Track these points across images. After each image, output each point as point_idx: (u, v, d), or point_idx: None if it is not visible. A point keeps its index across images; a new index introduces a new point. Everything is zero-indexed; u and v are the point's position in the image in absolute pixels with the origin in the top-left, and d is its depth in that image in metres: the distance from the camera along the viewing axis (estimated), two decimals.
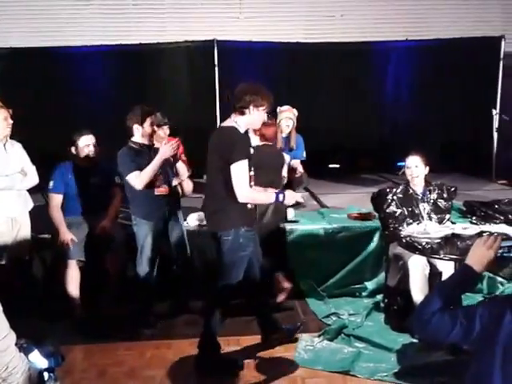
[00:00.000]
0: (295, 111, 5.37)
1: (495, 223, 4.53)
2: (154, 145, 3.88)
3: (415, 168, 3.87)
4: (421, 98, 7.60)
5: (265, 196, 3.24)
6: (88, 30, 7.53)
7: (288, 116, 5.30)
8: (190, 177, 6.20)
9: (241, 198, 3.06)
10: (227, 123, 3.19)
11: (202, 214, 4.53)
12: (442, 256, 3.18)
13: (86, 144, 4.10)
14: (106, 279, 4.05)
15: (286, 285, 4.23)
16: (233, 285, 3.23)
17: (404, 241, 3.48)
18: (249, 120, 3.13)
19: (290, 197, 3.24)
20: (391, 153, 7.55)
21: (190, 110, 7.35)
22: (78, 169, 4.12)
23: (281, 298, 4.16)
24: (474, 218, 4.64)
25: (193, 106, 7.40)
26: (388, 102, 7.75)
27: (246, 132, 3.25)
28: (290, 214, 4.67)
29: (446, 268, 3.50)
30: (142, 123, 3.74)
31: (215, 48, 7.06)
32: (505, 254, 1.84)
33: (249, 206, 3.17)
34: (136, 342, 3.68)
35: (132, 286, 3.85)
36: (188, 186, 4.22)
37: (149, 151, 3.80)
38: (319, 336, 3.72)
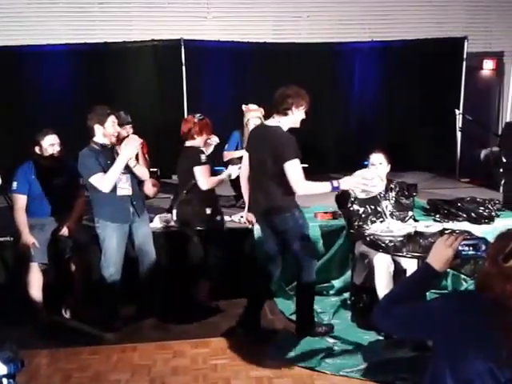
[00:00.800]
0: (262, 110, 5.37)
1: (458, 221, 4.66)
2: (116, 145, 3.82)
3: (379, 165, 3.92)
4: (386, 98, 7.71)
5: (321, 186, 3.37)
6: (53, 29, 7.37)
7: (256, 115, 5.29)
8: (157, 177, 6.20)
9: (300, 191, 3.34)
10: (271, 123, 3.48)
11: (168, 214, 4.51)
12: (404, 254, 3.24)
13: (50, 143, 4.02)
14: (69, 282, 3.98)
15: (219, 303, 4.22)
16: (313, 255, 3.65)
17: (368, 239, 3.52)
18: (291, 119, 3.43)
19: (347, 182, 3.37)
20: (358, 152, 7.64)
21: (157, 110, 7.31)
22: (42, 169, 4.03)
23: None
24: (437, 215, 4.73)
25: (160, 106, 7.35)
26: (354, 102, 7.84)
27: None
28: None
29: (410, 265, 3.56)
30: (103, 123, 3.68)
31: (182, 47, 7.02)
32: (464, 253, 1.85)
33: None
34: (101, 346, 3.63)
35: (97, 289, 3.79)
36: (148, 188, 4.15)
37: (111, 152, 3.74)
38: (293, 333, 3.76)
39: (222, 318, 4.03)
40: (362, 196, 3.71)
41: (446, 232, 3.67)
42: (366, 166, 4.29)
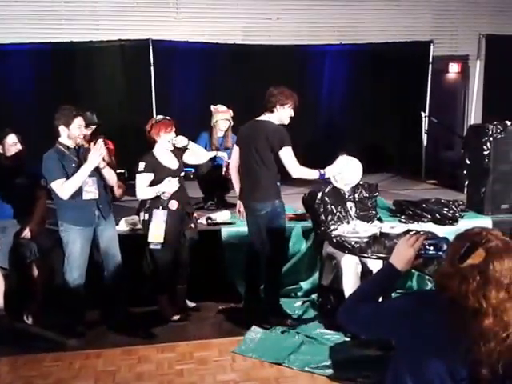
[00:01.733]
0: (231, 112, 5.38)
1: (423, 222, 4.74)
2: (83, 146, 3.74)
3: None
4: (354, 100, 7.79)
5: (312, 172, 3.79)
6: (17, 28, 7.22)
7: (225, 117, 5.32)
8: (123, 179, 6.11)
9: (295, 175, 3.76)
10: (262, 118, 3.80)
11: (135, 217, 4.44)
12: (369, 255, 3.27)
13: (13, 142, 3.93)
14: (32, 287, 3.88)
15: (190, 304, 4.22)
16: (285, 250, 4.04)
17: (335, 241, 3.55)
18: (277, 116, 3.76)
19: (331, 170, 3.85)
20: (325, 153, 7.69)
21: (125, 110, 7.21)
22: (4, 169, 3.93)
23: (176, 317, 4.01)
24: (402, 216, 4.80)
25: (128, 106, 7.25)
26: (323, 104, 7.91)
27: None
28: (226, 215, 4.66)
29: (377, 266, 3.58)
30: (68, 125, 3.59)
31: (151, 48, 6.94)
32: (425, 253, 1.87)
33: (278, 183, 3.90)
34: (64, 353, 3.55)
35: (60, 294, 3.70)
36: (118, 190, 4.07)
37: (77, 153, 3.67)
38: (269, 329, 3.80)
39: (188, 322, 4.00)
40: (342, 186, 4.01)
41: (411, 233, 3.74)
42: None
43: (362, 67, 7.69)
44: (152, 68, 6.99)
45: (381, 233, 3.58)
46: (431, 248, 1.89)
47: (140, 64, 7.08)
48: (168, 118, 4.05)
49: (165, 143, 3.90)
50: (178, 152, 4.03)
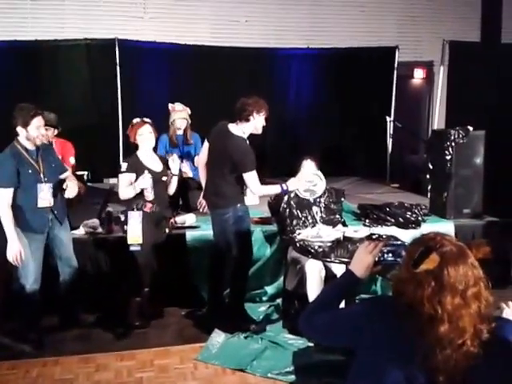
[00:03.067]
0: (188, 110, 5.35)
1: (386, 225, 4.78)
2: (45, 145, 3.62)
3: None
4: (320, 104, 7.85)
5: (274, 188, 3.79)
6: None
7: (182, 116, 5.28)
8: (85, 181, 5.98)
9: (258, 194, 3.95)
10: (235, 131, 3.74)
11: (96, 220, 4.35)
12: (333, 259, 3.27)
13: None
14: None
15: (153, 310, 4.14)
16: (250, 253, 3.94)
17: (298, 245, 3.54)
18: (253, 125, 3.74)
19: (294, 183, 3.77)
20: (293, 156, 7.72)
21: (90, 111, 7.09)
22: None
23: (137, 322, 3.92)
24: (367, 220, 4.82)
25: (93, 107, 7.13)
26: (289, 107, 7.93)
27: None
28: (191, 219, 4.61)
29: (340, 270, 3.59)
30: (26, 125, 3.45)
31: (117, 47, 6.83)
32: (384, 259, 1.87)
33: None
34: (20, 360, 3.43)
35: (15, 300, 3.57)
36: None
37: (36, 154, 3.53)
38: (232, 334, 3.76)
39: (149, 329, 3.92)
40: (307, 196, 4.01)
41: (373, 237, 3.76)
42: None
43: (329, 71, 7.76)
44: (118, 68, 6.89)
45: (344, 237, 3.59)
46: (390, 254, 1.91)
47: (106, 64, 6.98)
48: (146, 119, 4.02)
49: (142, 145, 3.92)
50: (161, 156, 4.12)
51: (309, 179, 3.91)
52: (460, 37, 7.80)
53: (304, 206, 4.02)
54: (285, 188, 3.73)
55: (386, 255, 1.89)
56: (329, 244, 3.48)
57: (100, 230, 4.25)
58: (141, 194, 3.77)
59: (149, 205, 3.80)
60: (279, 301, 4.35)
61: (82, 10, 7.49)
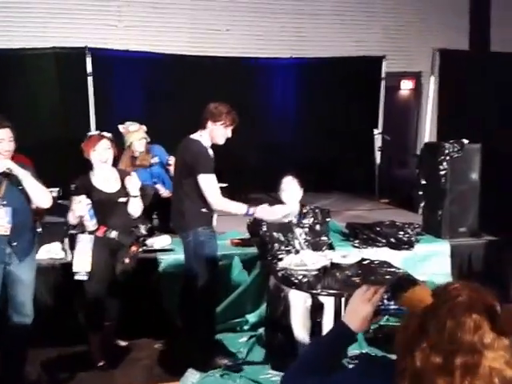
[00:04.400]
0: (144, 128, 4.86)
1: (377, 246, 4.42)
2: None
3: (292, 191, 3.59)
4: (305, 116, 7.54)
5: (237, 206, 3.31)
6: None
7: (140, 137, 4.79)
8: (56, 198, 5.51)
9: (215, 206, 3.29)
10: (194, 136, 3.40)
11: (57, 244, 3.92)
12: (319, 291, 2.86)
13: None
14: None
15: (121, 343, 3.76)
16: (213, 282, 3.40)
17: (280, 274, 3.12)
18: (209, 134, 3.35)
19: (264, 212, 3.27)
20: (277, 170, 7.37)
21: (59, 123, 6.68)
22: None
23: (101, 363, 3.48)
24: (356, 241, 4.45)
25: (63, 119, 6.71)
26: (273, 119, 7.59)
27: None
28: (165, 241, 4.20)
29: (328, 300, 3.20)
30: None
31: (87, 56, 6.42)
32: (382, 307, 1.48)
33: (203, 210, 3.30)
34: None
35: None
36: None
37: None
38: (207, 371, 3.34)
39: (119, 364, 3.50)
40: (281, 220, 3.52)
41: (364, 262, 3.38)
42: None
43: (313, 82, 7.43)
44: (90, 78, 6.48)
45: (331, 263, 3.19)
46: (392, 302, 1.54)
47: (76, 73, 6.55)
48: (105, 133, 3.56)
49: (96, 161, 3.43)
50: (125, 173, 3.58)
51: (285, 213, 3.38)
52: (448, 46, 7.55)
53: (286, 228, 3.62)
54: (250, 212, 3.27)
55: (387, 302, 1.49)
56: (314, 273, 3.07)
57: (62, 255, 3.82)
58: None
59: (102, 228, 3.34)
60: (262, 330, 3.94)
61: (51, 18, 7.14)
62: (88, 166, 3.52)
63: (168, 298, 3.90)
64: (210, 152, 3.36)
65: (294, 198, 3.59)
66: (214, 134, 3.35)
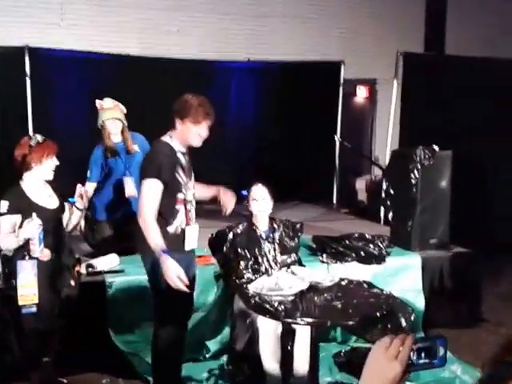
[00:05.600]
0: (122, 108, 4.10)
1: (347, 261, 4.12)
2: None
3: (263, 201, 3.21)
4: (263, 123, 7.24)
5: (154, 238, 2.69)
6: None
7: (113, 116, 3.99)
8: None
9: (139, 220, 2.74)
10: (163, 137, 2.91)
11: None
12: (298, 320, 2.49)
13: None
14: None
15: (62, 381, 3.26)
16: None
17: (252, 301, 2.71)
18: (179, 135, 2.85)
19: (168, 268, 2.62)
20: (234, 180, 7.01)
21: None
22: None
23: None
24: (324, 255, 4.13)
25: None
26: (230, 125, 7.19)
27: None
28: (113, 261, 3.72)
29: (302, 328, 2.85)
30: None
31: (26, 56, 5.85)
32: (413, 364, 1.14)
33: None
34: None
35: None
36: None
37: None
38: None
39: None
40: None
41: (343, 282, 3.05)
42: (245, 196, 3.58)
43: (272, 87, 7.13)
44: (28, 80, 5.90)
45: (310, 286, 2.83)
46: (422, 355, 1.19)
47: (14, 75, 5.96)
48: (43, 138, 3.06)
49: (46, 172, 2.93)
50: (54, 187, 3.08)
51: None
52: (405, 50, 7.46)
53: (253, 243, 3.22)
54: (161, 257, 2.64)
55: (415, 356, 1.15)
56: (291, 298, 2.69)
57: None
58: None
59: (46, 251, 2.84)
60: (224, 359, 3.54)
61: None
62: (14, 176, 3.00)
63: (116, 327, 3.43)
64: (180, 156, 2.87)
65: (265, 208, 3.21)
66: (184, 134, 2.83)
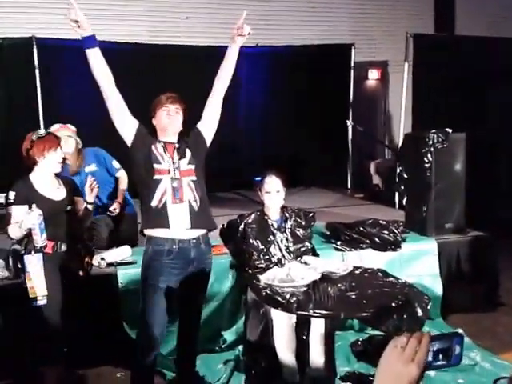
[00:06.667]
0: (70, 127, 4.01)
1: (361, 248, 4.07)
2: None
3: (276, 194, 3.15)
4: (273, 108, 7.13)
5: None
6: None
7: (65, 134, 3.81)
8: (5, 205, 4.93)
9: None
10: None
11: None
12: (311, 312, 2.44)
13: None
14: None
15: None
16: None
17: (264, 293, 2.67)
18: (157, 129, 2.89)
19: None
20: (245, 166, 6.96)
21: (4, 121, 6.04)
22: None
23: None
24: (338, 242, 4.09)
25: (9, 116, 6.09)
26: (240, 111, 7.14)
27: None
28: (125, 253, 3.71)
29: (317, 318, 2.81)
30: None
31: (34, 46, 5.82)
32: (430, 364, 1.09)
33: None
34: None
35: None
36: None
37: None
38: None
39: None
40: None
41: (357, 271, 3.00)
42: (257, 182, 3.53)
43: (281, 71, 7.03)
44: (37, 71, 5.88)
45: (322, 276, 2.78)
46: (440, 356, 1.14)
47: (22, 66, 5.95)
48: (46, 132, 3.14)
49: (51, 165, 2.99)
50: (64, 179, 3.14)
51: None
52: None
53: (265, 232, 3.17)
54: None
55: (431, 356, 1.10)
56: (303, 289, 2.65)
57: (5, 274, 3.29)
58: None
59: (50, 243, 2.89)
60: (240, 349, 3.53)
61: None
62: (26, 169, 3.04)
63: (129, 320, 3.42)
64: (158, 145, 2.82)
65: (278, 200, 3.16)
66: (158, 123, 2.85)
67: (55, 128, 3.83)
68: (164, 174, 2.74)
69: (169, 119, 2.82)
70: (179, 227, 2.70)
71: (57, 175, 3.08)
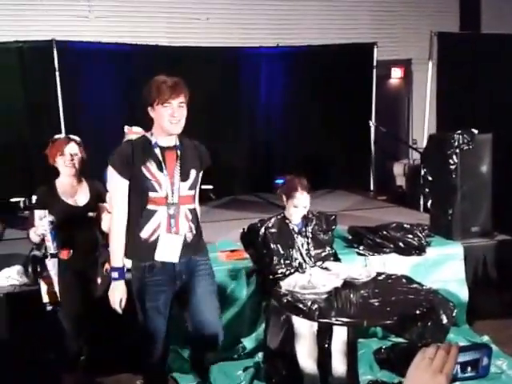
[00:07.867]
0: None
1: (385, 253, 3.96)
2: None
3: (303, 209, 3.09)
4: (294, 109, 7.04)
5: (114, 244, 2.50)
6: None
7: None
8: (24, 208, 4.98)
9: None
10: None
11: (18, 268, 3.39)
12: (333, 320, 2.37)
13: None
14: None
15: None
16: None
17: (285, 300, 2.61)
18: (156, 126, 2.51)
19: (113, 289, 2.54)
20: (266, 169, 6.91)
21: (24, 124, 6.08)
22: None
23: None
24: (361, 247, 3.99)
25: (30, 119, 6.12)
26: (261, 113, 7.08)
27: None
28: None
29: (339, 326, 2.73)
30: None
31: (54, 50, 5.85)
32: (460, 376, 1.03)
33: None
34: None
35: None
36: None
37: None
38: None
39: None
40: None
41: (379, 277, 2.91)
42: (278, 185, 3.46)
43: (302, 71, 6.94)
44: (57, 73, 5.90)
45: (345, 282, 2.70)
46: (468, 368, 1.08)
47: (43, 69, 5.98)
48: (72, 136, 3.12)
49: (62, 169, 3.03)
50: (94, 183, 3.12)
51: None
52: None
53: (286, 237, 3.11)
54: (109, 273, 2.56)
55: (459, 368, 1.03)
56: (325, 296, 2.57)
57: (24, 280, 3.29)
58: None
59: (66, 250, 2.89)
60: (260, 356, 3.46)
61: (16, 11, 6.56)
62: (55, 174, 3.07)
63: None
64: (156, 151, 2.48)
65: (303, 212, 3.09)
66: (159, 121, 2.45)
67: (136, 130, 3.81)
68: (160, 205, 2.42)
69: (172, 123, 2.43)
70: (166, 258, 2.47)
71: (86, 179, 3.08)
